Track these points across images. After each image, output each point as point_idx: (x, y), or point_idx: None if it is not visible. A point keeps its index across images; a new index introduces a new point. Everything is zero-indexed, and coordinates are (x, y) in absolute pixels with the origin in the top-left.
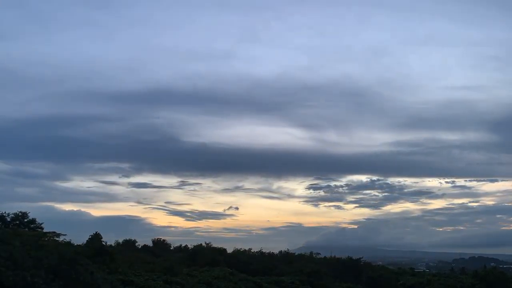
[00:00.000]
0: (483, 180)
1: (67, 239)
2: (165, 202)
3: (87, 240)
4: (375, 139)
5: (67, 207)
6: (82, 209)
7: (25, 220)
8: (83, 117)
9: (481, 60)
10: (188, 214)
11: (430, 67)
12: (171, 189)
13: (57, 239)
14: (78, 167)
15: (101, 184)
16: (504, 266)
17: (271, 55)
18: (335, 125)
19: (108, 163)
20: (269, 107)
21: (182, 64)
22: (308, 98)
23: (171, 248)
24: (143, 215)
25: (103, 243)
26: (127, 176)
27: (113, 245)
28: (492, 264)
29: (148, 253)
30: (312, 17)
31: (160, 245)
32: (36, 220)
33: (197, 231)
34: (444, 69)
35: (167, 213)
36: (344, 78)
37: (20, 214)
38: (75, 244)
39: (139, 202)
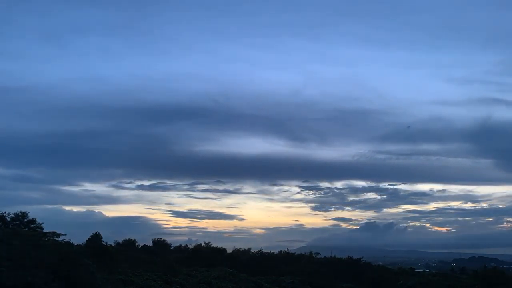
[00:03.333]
0: (481, 183)
1: (67, 239)
2: (169, 204)
3: (87, 240)
4: (376, 147)
5: (78, 208)
6: (93, 210)
7: (25, 220)
8: (102, 130)
9: (460, 80)
10: (191, 215)
11: (415, 88)
12: (176, 192)
13: (57, 239)
14: (88, 173)
15: (110, 188)
16: (504, 266)
17: (278, 77)
18: (339, 135)
19: (118, 168)
20: (275, 121)
21: (195, 85)
22: (305, 114)
23: (171, 248)
24: (150, 216)
25: (103, 243)
26: (140, 179)
27: (113, 245)
28: (492, 264)
29: (148, 253)
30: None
31: (160, 245)
32: (36, 220)
33: (200, 231)
34: (427, 90)
35: (172, 214)
36: (342, 98)
37: (20, 214)
38: (75, 244)
39: (145, 204)
